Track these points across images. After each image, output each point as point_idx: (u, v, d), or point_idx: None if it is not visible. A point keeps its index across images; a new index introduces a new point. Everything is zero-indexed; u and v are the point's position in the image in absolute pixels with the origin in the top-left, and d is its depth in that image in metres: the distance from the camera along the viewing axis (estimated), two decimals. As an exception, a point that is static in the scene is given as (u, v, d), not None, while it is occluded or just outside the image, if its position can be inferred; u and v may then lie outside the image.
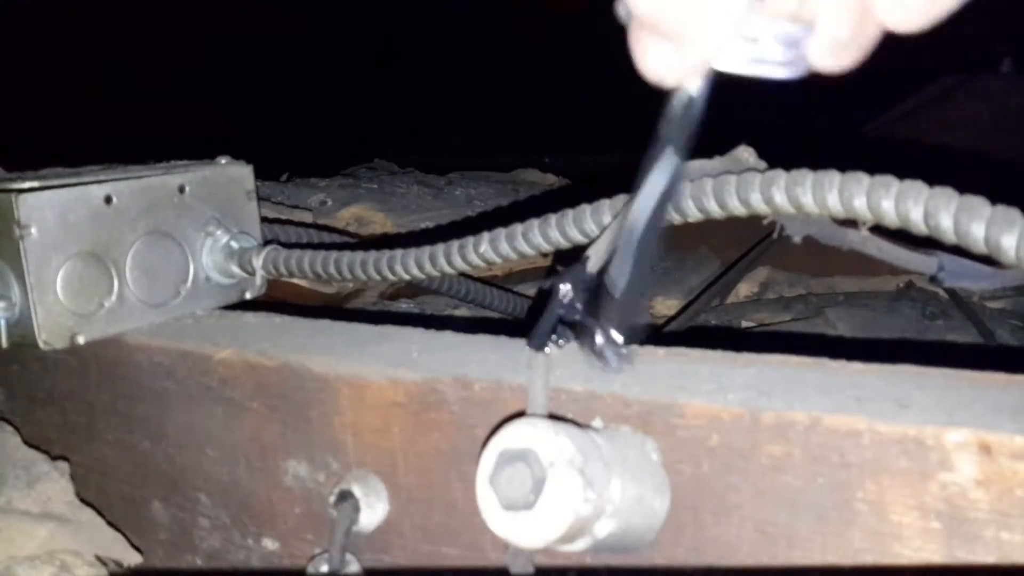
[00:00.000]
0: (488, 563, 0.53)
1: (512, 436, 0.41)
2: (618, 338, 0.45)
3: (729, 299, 1.45)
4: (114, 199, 0.67)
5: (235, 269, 0.75)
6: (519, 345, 0.53)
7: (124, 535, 0.69)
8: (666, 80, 0.35)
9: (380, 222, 1.45)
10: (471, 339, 0.60)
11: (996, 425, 0.39)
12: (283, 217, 1.28)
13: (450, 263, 0.66)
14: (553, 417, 0.44)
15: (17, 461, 0.70)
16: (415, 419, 0.55)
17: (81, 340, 0.66)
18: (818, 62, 0.34)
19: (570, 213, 0.59)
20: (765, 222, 0.55)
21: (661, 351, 0.53)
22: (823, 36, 0.34)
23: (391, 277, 0.70)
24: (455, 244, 0.66)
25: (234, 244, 0.75)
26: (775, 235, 1.38)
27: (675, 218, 0.56)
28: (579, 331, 0.47)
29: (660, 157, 0.39)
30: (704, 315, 1.35)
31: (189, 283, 0.73)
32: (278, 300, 0.93)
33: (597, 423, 0.47)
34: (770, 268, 1.53)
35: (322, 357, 0.59)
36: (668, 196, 0.40)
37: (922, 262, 1.36)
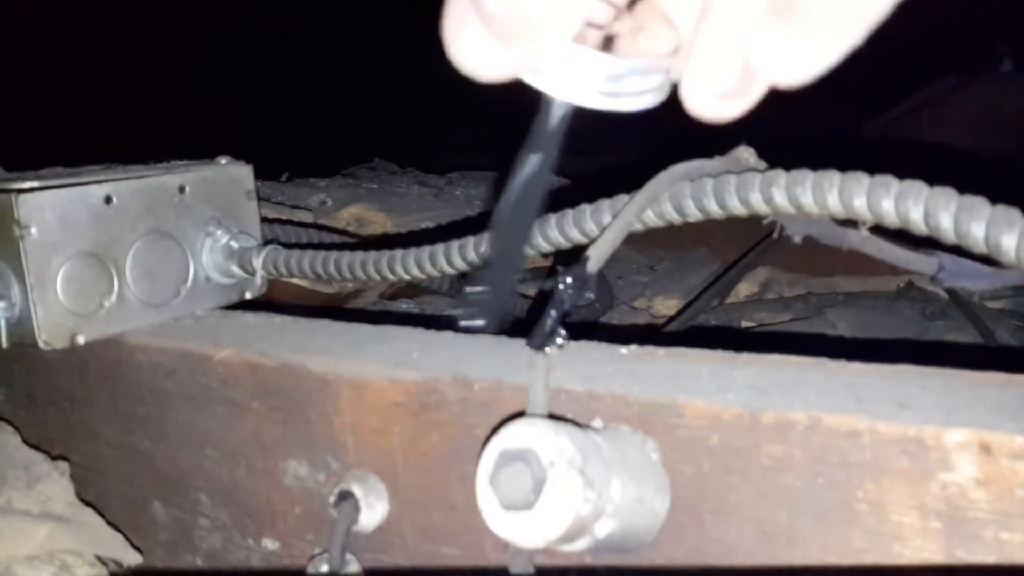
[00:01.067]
0: (488, 563, 0.53)
1: (512, 436, 0.41)
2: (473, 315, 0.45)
3: (729, 299, 1.45)
4: (114, 199, 0.67)
5: (235, 269, 0.75)
6: (519, 345, 0.53)
7: (124, 535, 0.69)
8: (480, 73, 0.31)
9: (380, 222, 1.45)
10: (471, 339, 0.60)
11: (996, 425, 0.39)
12: (283, 217, 1.28)
13: (450, 263, 0.66)
14: (553, 417, 0.44)
15: (17, 461, 0.70)
16: (415, 419, 0.55)
17: (81, 340, 0.66)
18: (701, 109, 0.31)
19: (570, 213, 0.59)
20: (765, 222, 0.55)
21: (661, 351, 0.53)
22: (703, 84, 0.31)
23: (391, 277, 0.70)
24: (455, 244, 0.66)
25: (234, 244, 0.75)
26: (775, 235, 1.38)
27: (675, 218, 0.56)
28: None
29: (527, 159, 0.38)
30: (704, 315, 1.35)
31: (189, 283, 0.73)
32: (278, 300, 0.93)
33: (597, 423, 0.47)
34: (770, 268, 1.53)
35: (322, 357, 0.59)
36: (531, 191, 0.39)
37: (922, 262, 1.36)
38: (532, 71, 0.32)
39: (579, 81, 0.32)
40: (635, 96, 0.33)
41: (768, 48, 0.29)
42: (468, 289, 0.45)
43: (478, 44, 0.30)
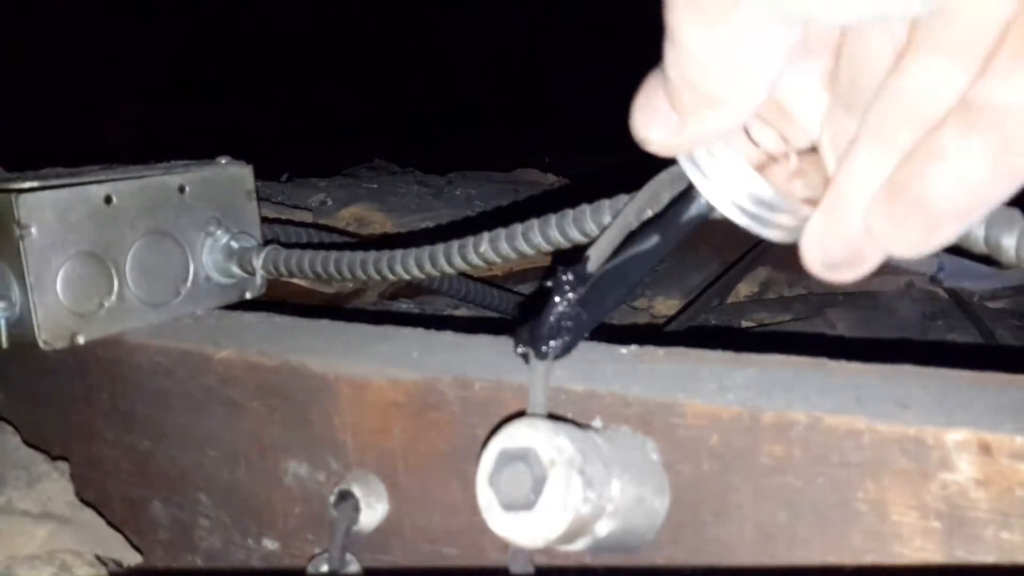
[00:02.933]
0: (488, 563, 0.53)
1: (512, 436, 0.41)
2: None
3: (729, 299, 1.46)
4: (114, 199, 0.67)
5: (235, 269, 0.75)
6: (519, 345, 0.53)
7: (124, 535, 0.69)
8: (650, 141, 0.33)
9: (380, 222, 1.45)
10: (471, 339, 0.60)
11: (996, 425, 0.39)
12: (283, 217, 1.29)
13: (450, 263, 0.66)
14: (553, 417, 0.44)
15: (17, 461, 0.70)
16: (415, 419, 0.55)
17: (81, 340, 0.66)
18: (811, 269, 0.33)
19: (570, 213, 0.59)
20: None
21: (661, 351, 0.53)
22: (814, 250, 0.33)
23: (391, 277, 0.70)
24: (455, 244, 0.66)
25: (234, 244, 0.75)
26: (775, 235, 1.38)
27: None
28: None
29: (648, 235, 0.41)
30: (704, 315, 1.35)
31: (189, 283, 0.73)
32: (278, 300, 0.93)
33: (597, 423, 0.47)
34: (770, 268, 1.53)
35: (322, 357, 0.59)
36: (636, 266, 0.43)
37: (922, 262, 1.36)
38: (692, 164, 0.35)
39: (729, 190, 0.34)
40: (770, 227, 0.35)
41: (882, 224, 0.30)
42: (521, 330, 0.46)
43: (657, 116, 0.32)
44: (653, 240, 0.41)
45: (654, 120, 0.32)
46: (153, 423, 0.68)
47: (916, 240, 0.30)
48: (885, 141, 0.30)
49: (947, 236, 0.30)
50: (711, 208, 0.36)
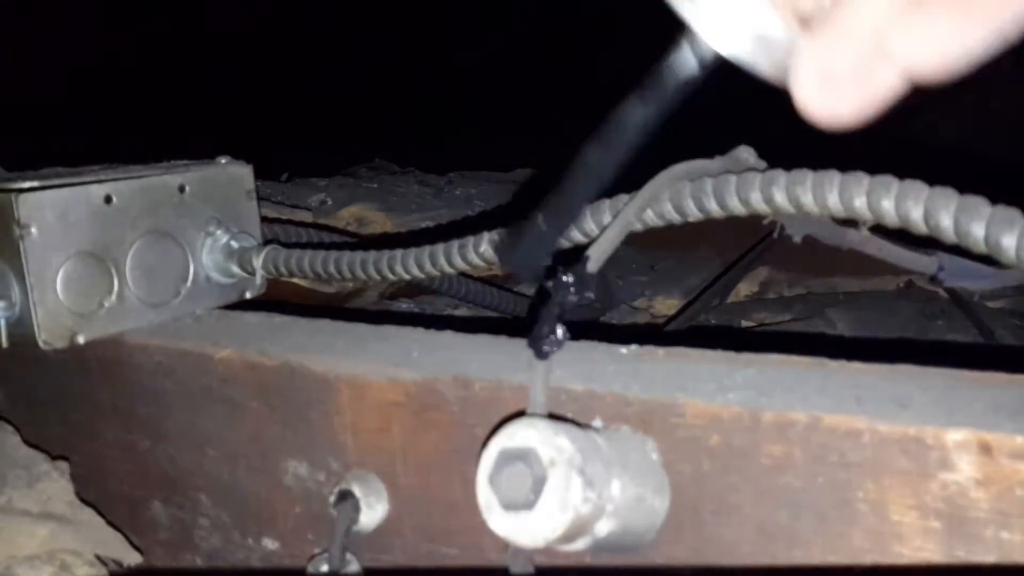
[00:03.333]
0: (488, 563, 0.53)
1: (512, 436, 0.41)
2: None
3: (729, 299, 1.45)
4: (114, 199, 0.67)
5: (235, 269, 0.75)
6: (519, 345, 0.53)
7: (124, 535, 0.69)
8: None
9: (380, 222, 1.45)
10: (471, 339, 0.60)
11: (996, 425, 0.39)
12: (283, 217, 1.28)
13: (450, 263, 0.66)
14: (553, 417, 0.44)
15: (17, 461, 0.70)
16: (415, 419, 0.55)
17: (81, 340, 0.66)
18: (807, 98, 0.27)
19: (570, 213, 0.59)
20: (765, 222, 0.55)
21: (661, 351, 0.53)
22: (807, 59, 0.27)
23: (391, 277, 0.70)
24: (455, 244, 0.66)
25: (234, 244, 0.75)
26: (775, 235, 1.39)
27: (675, 218, 0.56)
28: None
29: (635, 104, 0.35)
30: (704, 315, 1.35)
31: (189, 283, 0.73)
32: (278, 300, 0.93)
33: (597, 423, 0.47)
34: (770, 268, 1.53)
35: (322, 357, 0.59)
36: (624, 140, 0.37)
37: (922, 262, 1.36)
38: None
39: (719, 15, 0.29)
40: (765, 58, 0.29)
41: (902, 31, 0.26)
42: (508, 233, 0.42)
43: None
44: (639, 109, 0.35)
45: None
46: (153, 423, 0.68)
47: (941, 44, 0.26)
48: None
49: (976, 39, 0.26)
50: (703, 56, 0.31)
